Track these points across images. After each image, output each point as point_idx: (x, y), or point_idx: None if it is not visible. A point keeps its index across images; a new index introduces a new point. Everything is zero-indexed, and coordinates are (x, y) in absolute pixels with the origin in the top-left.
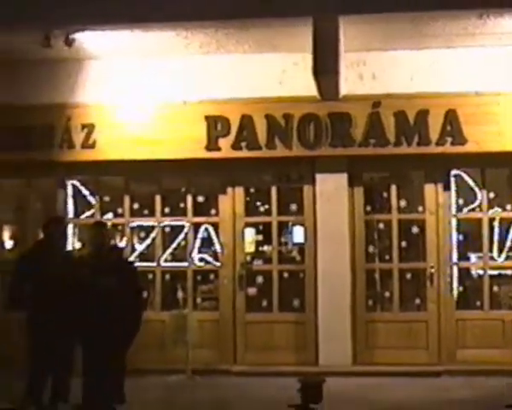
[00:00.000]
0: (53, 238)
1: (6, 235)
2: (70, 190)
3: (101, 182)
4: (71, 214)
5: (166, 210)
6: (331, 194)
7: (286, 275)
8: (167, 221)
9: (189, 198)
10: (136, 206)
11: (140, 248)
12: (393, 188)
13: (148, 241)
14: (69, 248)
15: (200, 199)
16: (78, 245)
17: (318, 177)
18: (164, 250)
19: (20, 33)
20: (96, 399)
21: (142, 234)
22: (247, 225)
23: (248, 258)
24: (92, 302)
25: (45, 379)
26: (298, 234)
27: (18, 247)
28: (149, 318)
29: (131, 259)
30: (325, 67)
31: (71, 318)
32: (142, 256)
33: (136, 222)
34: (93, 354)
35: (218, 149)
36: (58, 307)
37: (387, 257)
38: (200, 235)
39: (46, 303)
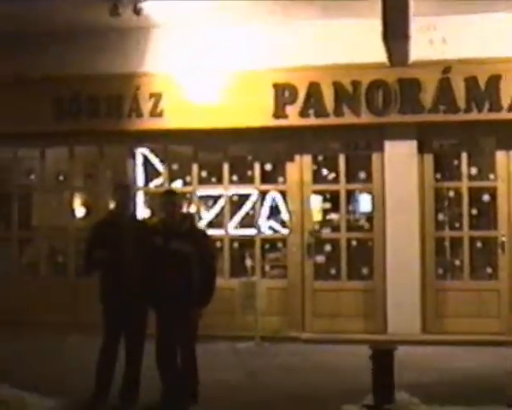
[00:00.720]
0: (122, 205)
1: (77, 203)
2: (139, 159)
3: (170, 150)
4: (140, 183)
5: (234, 178)
6: (400, 161)
7: (354, 243)
8: (235, 189)
9: (257, 166)
10: (203, 174)
11: (208, 216)
12: (464, 155)
13: (216, 209)
14: (140, 215)
15: (268, 167)
16: (147, 213)
17: (387, 144)
18: (232, 218)
19: (89, 2)
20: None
21: (210, 202)
22: (315, 193)
23: (316, 226)
24: (166, 269)
25: (115, 355)
26: (364, 202)
27: (89, 215)
28: (219, 285)
29: (202, 226)
30: (395, 31)
31: (144, 285)
32: (211, 224)
33: (204, 190)
34: (167, 322)
35: (286, 116)
36: (131, 274)
37: (457, 225)
38: (267, 203)
39: (119, 270)
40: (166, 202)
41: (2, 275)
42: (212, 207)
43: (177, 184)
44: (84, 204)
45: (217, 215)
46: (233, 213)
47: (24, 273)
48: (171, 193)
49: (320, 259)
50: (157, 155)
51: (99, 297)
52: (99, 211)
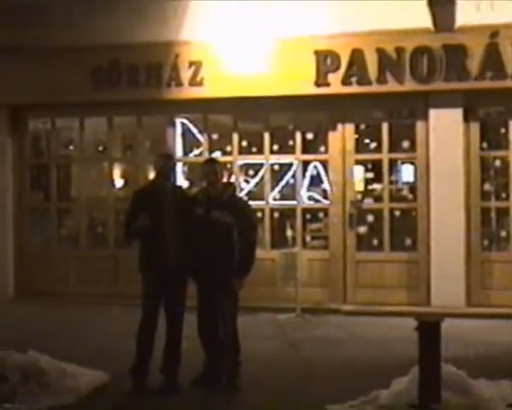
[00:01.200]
0: (164, 175)
1: (116, 173)
2: (179, 129)
3: (210, 120)
4: (180, 153)
5: (275, 148)
6: (445, 130)
7: (397, 213)
8: (276, 159)
9: (298, 135)
10: (244, 144)
11: (249, 186)
12: (511, 123)
13: (257, 179)
14: (180, 185)
15: (309, 136)
16: (186, 184)
17: (432, 112)
18: (272, 188)
19: None
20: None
21: (251, 172)
22: (357, 162)
23: (358, 196)
24: (207, 239)
25: (154, 326)
26: (407, 172)
27: (128, 186)
28: (259, 256)
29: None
30: None
31: (185, 255)
32: (251, 194)
33: (245, 160)
34: (208, 293)
35: (328, 84)
36: (171, 243)
37: (504, 195)
38: (309, 173)
39: (159, 239)
40: (208, 170)
41: (42, 247)
42: (252, 177)
43: (217, 155)
44: (123, 175)
45: (257, 185)
46: (274, 184)
47: (63, 245)
48: (212, 161)
49: (362, 229)
50: (196, 125)
51: (138, 267)
52: (138, 182)
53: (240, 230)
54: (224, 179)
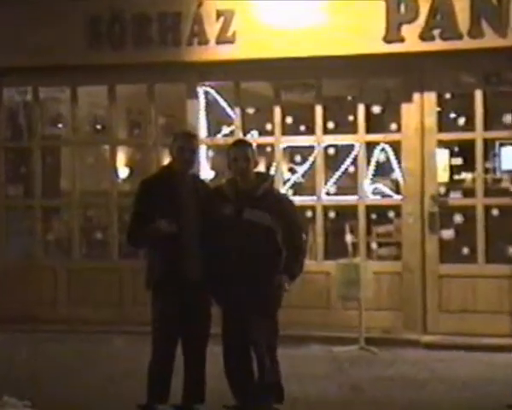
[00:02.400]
0: (184, 161)
1: (120, 160)
2: (202, 101)
3: (244, 89)
4: (203, 133)
5: (330, 125)
6: None
7: (494, 212)
8: (331, 140)
9: (361, 108)
10: (289, 120)
11: (294, 176)
12: None
13: (306, 167)
14: (204, 176)
15: (376, 110)
16: (210, 174)
17: None
18: (326, 179)
19: None
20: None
21: (298, 158)
22: (440, 144)
23: (442, 189)
24: (238, 247)
25: (171, 361)
26: (508, 157)
27: (135, 176)
28: (309, 269)
29: (284, 191)
30: None
31: (208, 267)
32: (298, 187)
33: (289, 142)
34: (240, 318)
35: (402, 40)
36: (192, 253)
37: None
38: (374, 158)
39: (177, 247)
40: (237, 155)
41: (23, 257)
42: (299, 164)
43: (253, 135)
44: (129, 162)
45: (306, 175)
46: (328, 173)
47: (50, 255)
48: (243, 143)
49: (447, 234)
50: (226, 96)
51: (146, 282)
52: (148, 171)
53: (282, 234)
54: (260, 168)
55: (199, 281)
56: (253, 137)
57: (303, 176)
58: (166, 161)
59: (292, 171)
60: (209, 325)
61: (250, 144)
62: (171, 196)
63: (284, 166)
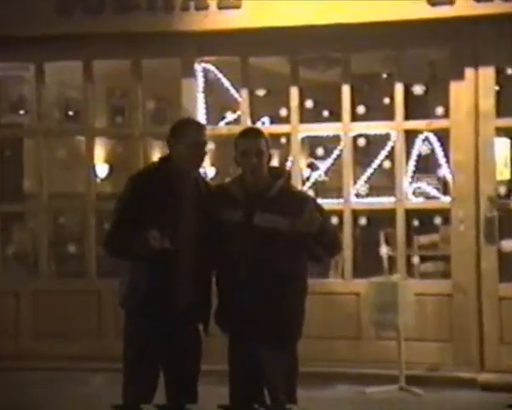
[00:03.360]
0: (196, 159)
1: (99, 154)
2: (201, 80)
3: (252, 65)
4: (202, 118)
5: (360, 110)
6: None
7: None
8: (361, 128)
9: (399, 88)
10: (308, 104)
11: (316, 173)
12: None
13: (330, 162)
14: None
15: (417, 90)
16: (211, 172)
17: None
18: (356, 177)
19: None
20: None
21: (320, 151)
22: (500, 132)
23: (502, 189)
24: (247, 259)
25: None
26: None
27: (117, 173)
28: (335, 289)
29: (305, 190)
30: None
31: (208, 289)
32: (320, 187)
33: (310, 131)
34: (251, 353)
35: (450, 1)
36: (190, 269)
37: None
38: (416, 150)
39: (171, 261)
40: (248, 149)
41: None
42: (322, 158)
43: (264, 123)
44: (110, 157)
45: (330, 172)
46: (358, 169)
47: (11, 272)
48: (255, 135)
49: (508, 245)
50: (230, 75)
51: (122, 300)
52: (134, 168)
53: (304, 243)
54: (275, 162)
55: (191, 304)
56: (264, 126)
57: (326, 173)
58: (156, 155)
59: (312, 167)
60: (200, 359)
61: (263, 134)
62: (169, 200)
63: (303, 162)
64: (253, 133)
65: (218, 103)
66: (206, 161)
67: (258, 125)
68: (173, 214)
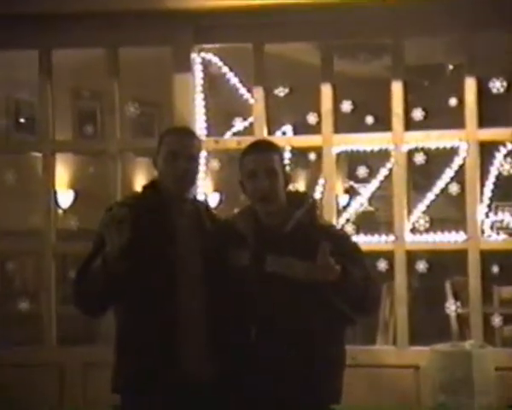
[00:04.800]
0: (178, 179)
1: (62, 177)
2: (199, 75)
3: (270, 54)
4: (201, 129)
5: (416, 114)
6: None
7: None
8: (418, 139)
9: (470, 85)
10: (346, 107)
11: (357, 201)
12: None
13: (376, 185)
14: (204, 201)
15: (496, 86)
16: (214, 198)
17: None
18: (411, 206)
19: None
20: None
21: (362, 170)
22: None
23: None
24: (260, 318)
25: None
26: None
27: (86, 203)
28: (385, 360)
29: (339, 225)
30: None
31: (217, 355)
32: (363, 220)
33: (348, 143)
34: None
35: None
36: (192, 330)
37: None
38: (495, 169)
39: (165, 317)
40: (257, 169)
41: None
42: (365, 181)
43: (285, 132)
44: (78, 181)
45: (374, 199)
46: (414, 195)
47: None
48: (263, 148)
49: None
50: (239, 68)
51: (112, 382)
52: (110, 195)
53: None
54: (294, 186)
55: (208, 384)
56: (286, 137)
57: (370, 201)
58: (140, 177)
59: (351, 192)
60: None
61: (277, 148)
62: (160, 235)
63: (339, 185)
64: (262, 147)
65: (224, 107)
66: (207, 185)
67: (278, 135)
68: (166, 256)
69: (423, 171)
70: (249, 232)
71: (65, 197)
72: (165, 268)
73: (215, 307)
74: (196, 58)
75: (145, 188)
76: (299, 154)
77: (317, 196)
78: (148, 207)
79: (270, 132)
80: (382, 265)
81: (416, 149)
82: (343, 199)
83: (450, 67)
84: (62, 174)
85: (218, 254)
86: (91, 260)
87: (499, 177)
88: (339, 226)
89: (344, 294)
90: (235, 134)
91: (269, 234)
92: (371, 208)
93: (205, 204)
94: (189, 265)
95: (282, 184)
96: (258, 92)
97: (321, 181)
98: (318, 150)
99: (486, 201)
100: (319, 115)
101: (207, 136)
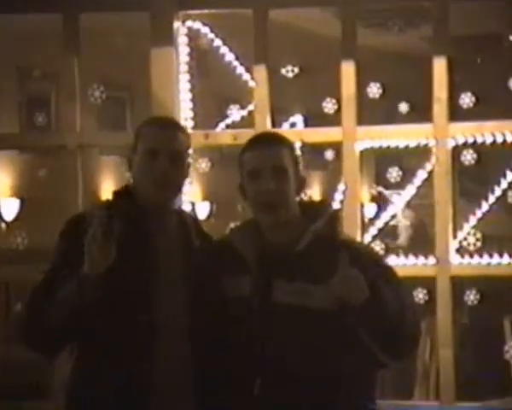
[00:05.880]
0: (158, 184)
1: (5, 181)
2: (185, 50)
3: (275, 24)
4: (188, 119)
5: (464, 100)
6: None
7: None
8: (466, 132)
9: None
10: (373, 91)
11: (387, 212)
12: None
13: (411, 191)
14: (192, 213)
15: None
16: (203, 209)
17: None
18: (456, 218)
19: None
20: None
21: (394, 172)
22: None
23: None
24: (263, 362)
25: None
26: None
27: (35, 215)
28: None
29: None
30: None
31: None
32: (394, 237)
33: (375, 138)
34: None
35: None
36: (173, 374)
37: None
38: None
39: (142, 360)
40: (258, 168)
41: None
42: (398, 186)
43: (296, 123)
44: (24, 186)
45: (409, 209)
46: (462, 205)
47: None
48: (269, 142)
49: None
50: (236, 41)
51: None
52: (68, 207)
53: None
54: (308, 191)
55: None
56: (295, 129)
57: (405, 212)
58: (110, 182)
59: (380, 200)
60: None
61: (287, 141)
62: (136, 256)
63: (364, 191)
64: (268, 140)
65: (216, 91)
66: (195, 192)
67: (286, 127)
68: (143, 281)
69: (474, 173)
70: (250, 252)
71: (8, 207)
72: (138, 302)
73: (204, 354)
74: (181, 28)
75: (116, 195)
76: (313, 151)
77: (336, 205)
78: (119, 221)
79: (275, 124)
80: (420, 295)
81: (465, 145)
82: (370, 209)
83: (511, 38)
84: (4, 178)
85: (210, 282)
86: (51, 284)
87: None
88: (365, 243)
89: (373, 324)
90: (229, 126)
91: (276, 254)
92: (406, 222)
93: (192, 217)
94: (171, 297)
95: (293, 188)
96: (260, 72)
97: (341, 186)
98: (337, 147)
99: None
100: (338, 102)
101: (194, 128)
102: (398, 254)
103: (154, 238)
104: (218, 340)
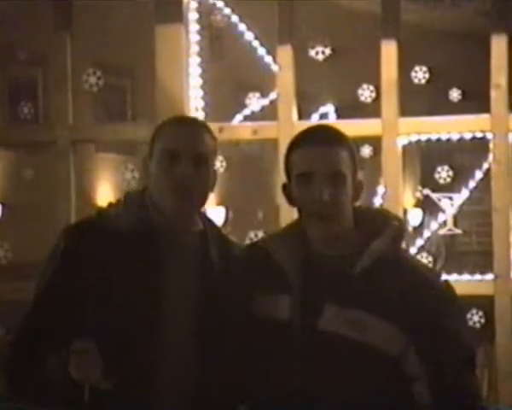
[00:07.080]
0: (181, 195)
1: None
2: (195, 28)
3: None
4: (198, 105)
5: None
6: None
7: None
8: None
9: None
10: (419, 76)
11: (435, 219)
12: None
13: (464, 194)
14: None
15: None
16: (219, 213)
17: None
18: None
19: None
20: None
21: (443, 172)
22: None
23: None
24: (304, 401)
25: None
26: None
27: (20, 221)
28: None
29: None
30: None
31: None
32: (448, 248)
33: (423, 131)
34: None
35: None
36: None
37: None
38: None
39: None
40: (313, 169)
41: None
42: (450, 189)
43: (327, 114)
44: (8, 190)
45: (460, 216)
46: None
47: None
48: (326, 138)
49: None
50: (255, 17)
51: None
52: (63, 212)
53: (415, 363)
54: (362, 198)
55: None
56: (326, 121)
57: (457, 219)
58: (109, 184)
59: (428, 205)
60: None
61: (347, 142)
62: (146, 283)
63: (408, 194)
64: (323, 137)
65: (233, 77)
66: (215, 197)
67: (315, 119)
68: (151, 305)
69: None
70: (292, 266)
71: None
72: (148, 320)
73: (230, 389)
74: (191, 2)
75: (124, 203)
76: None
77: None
78: (126, 237)
79: (302, 115)
80: (475, 318)
81: None
82: (414, 216)
83: None
84: None
85: (236, 302)
86: (37, 333)
87: None
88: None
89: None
90: (248, 118)
91: (326, 272)
92: (458, 230)
93: (216, 228)
94: (183, 327)
95: (350, 197)
96: (285, 54)
97: (380, 189)
98: (376, 142)
99: None
100: (377, 89)
101: (206, 120)
102: (448, 270)
103: (168, 262)
104: (244, 372)
